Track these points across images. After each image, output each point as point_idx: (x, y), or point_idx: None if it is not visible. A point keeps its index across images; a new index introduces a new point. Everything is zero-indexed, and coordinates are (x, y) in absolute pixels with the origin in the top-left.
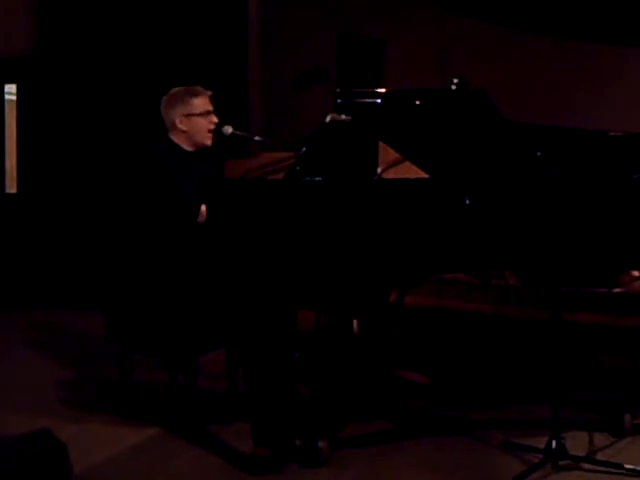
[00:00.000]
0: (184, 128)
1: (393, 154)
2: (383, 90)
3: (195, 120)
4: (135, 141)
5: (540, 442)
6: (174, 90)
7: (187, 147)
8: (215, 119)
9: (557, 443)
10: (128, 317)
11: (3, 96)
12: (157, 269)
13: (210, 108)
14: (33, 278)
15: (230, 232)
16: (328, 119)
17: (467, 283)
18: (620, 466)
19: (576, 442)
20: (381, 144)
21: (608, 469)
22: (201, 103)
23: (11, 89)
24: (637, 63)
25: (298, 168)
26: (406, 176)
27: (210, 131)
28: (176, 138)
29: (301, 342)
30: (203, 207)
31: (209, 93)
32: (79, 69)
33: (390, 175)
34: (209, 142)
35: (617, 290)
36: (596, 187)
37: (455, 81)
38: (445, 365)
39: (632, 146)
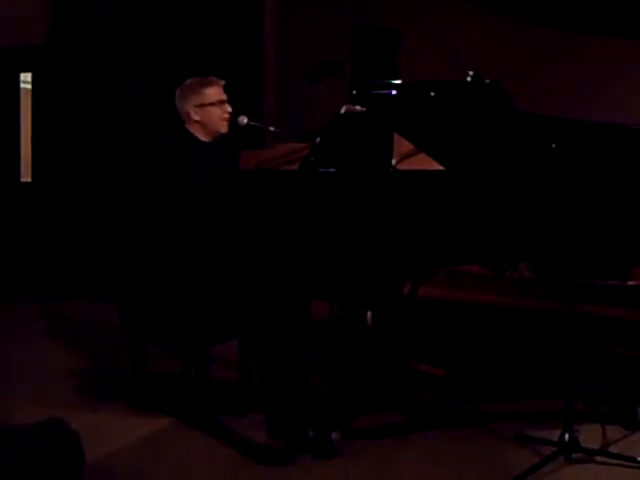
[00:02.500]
0: (198, 118)
1: (408, 146)
2: (398, 81)
3: (209, 110)
4: (149, 131)
5: (553, 434)
6: (187, 81)
7: (203, 137)
8: (229, 108)
9: (570, 436)
10: (142, 307)
11: (18, 85)
12: (171, 259)
13: (224, 97)
14: (47, 267)
15: (244, 222)
16: (343, 110)
17: (481, 275)
18: (633, 459)
19: (589, 435)
20: (396, 135)
21: (621, 462)
22: (214, 93)
23: (26, 78)
24: None
25: (313, 159)
26: (421, 168)
27: (224, 119)
28: (191, 129)
29: (315, 333)
30: None
31: (222, 82)
32: (94, 58)
33: (405, 166)
34: (224, 130)
35: (630, 283)
36: (610, 180)
37: (470, 73)
38: (459, 357)
39: None
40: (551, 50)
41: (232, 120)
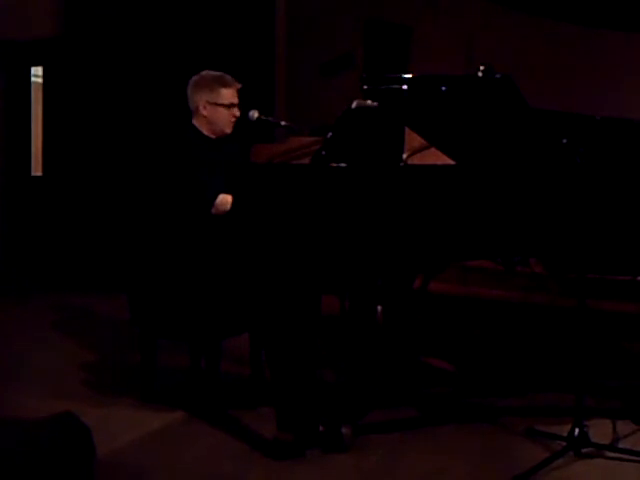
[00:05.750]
0: (206, 114)
1: (419, 140)
2: (409, 76)
3: (218, 110)
4: (160, 126)
5: (563, 430)
6: (205, 73)
7: (207, 133)
8: (237, 112)
9: (580, 431)
10: (152, 301)
11: (30, 79)
12: (182, 253)
13: (235, 101)
14: (58, 261)
15: (255, 216)
16: (354, 105)
17: (492, 270)
18: None
19: (599, 430)
20: (407, 130)
21: (631, 457)
22: (228, 95)
23: (38, 72)
24: None
25: (324, 153)
26: (432, 162)
27: (231, 122)
28: (197, 122)
29: (326, 327)
30: (229, 197)
31: (238, 86)
32: (106, 52)
33: (416, 161)
34: (229, 130)
35: None
36: (621, 175)
37: (481, 68)
38: (469, 352)
39: None
40: (565, 45)
41: (243, 114)
